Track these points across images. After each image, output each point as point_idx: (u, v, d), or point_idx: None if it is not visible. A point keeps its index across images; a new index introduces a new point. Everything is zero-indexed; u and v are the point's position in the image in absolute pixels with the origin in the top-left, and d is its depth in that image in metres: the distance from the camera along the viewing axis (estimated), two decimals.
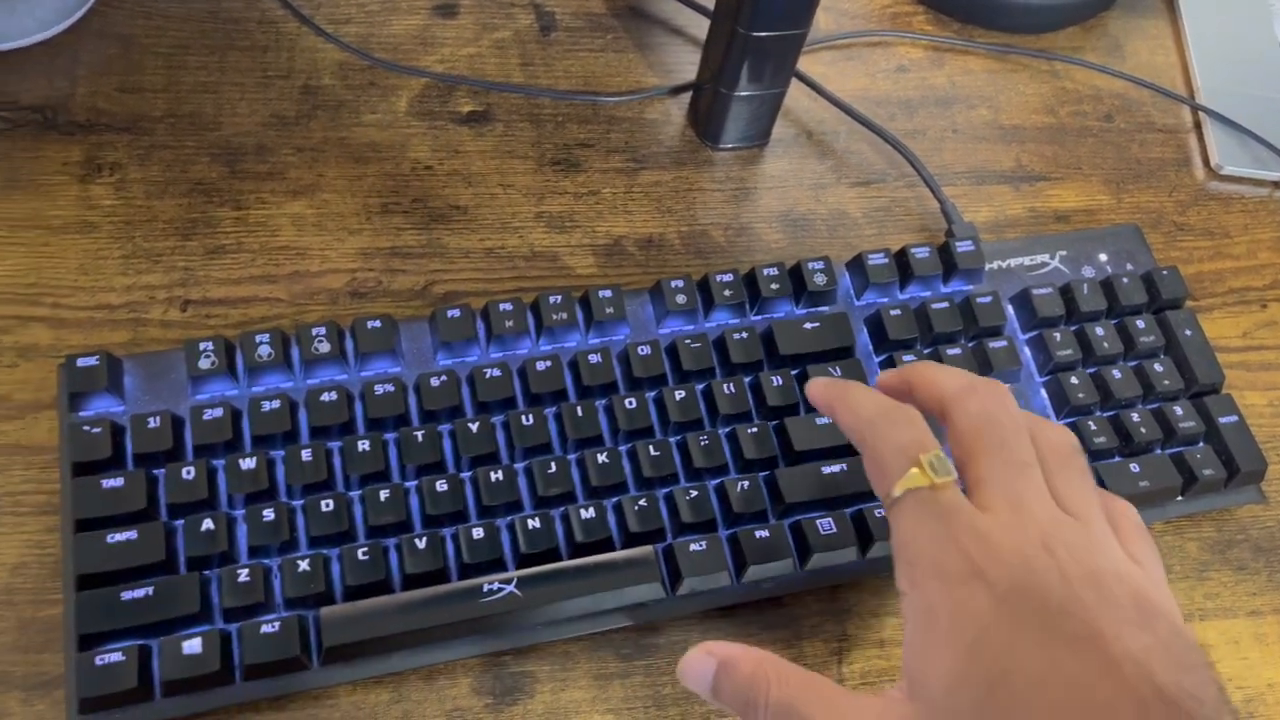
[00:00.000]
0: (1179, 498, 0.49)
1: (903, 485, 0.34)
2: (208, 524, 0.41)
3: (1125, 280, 0.52)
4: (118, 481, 0.41)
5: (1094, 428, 0.48)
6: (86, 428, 0.41)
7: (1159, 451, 0.49)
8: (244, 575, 0.40)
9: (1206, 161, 0.61)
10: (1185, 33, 0.65)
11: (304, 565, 0.40)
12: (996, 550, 0.32)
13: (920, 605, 0.33)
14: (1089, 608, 0.31)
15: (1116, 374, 0.49)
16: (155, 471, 0.42)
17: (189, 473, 0.41)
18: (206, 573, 0.40)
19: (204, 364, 0.43)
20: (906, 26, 0.63)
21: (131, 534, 0.40)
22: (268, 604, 0.40)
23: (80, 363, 0.42)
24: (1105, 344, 0.50)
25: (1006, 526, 0.33)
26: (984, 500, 0.34)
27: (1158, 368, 0.50)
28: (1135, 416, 0.49)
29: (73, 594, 0.39)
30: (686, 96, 0.58)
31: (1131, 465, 0.48)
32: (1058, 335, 0.50)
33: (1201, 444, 0.49)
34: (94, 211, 0.50)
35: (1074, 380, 0.49)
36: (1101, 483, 0.47)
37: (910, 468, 0.34)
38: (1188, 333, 0.51)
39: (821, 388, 0.40)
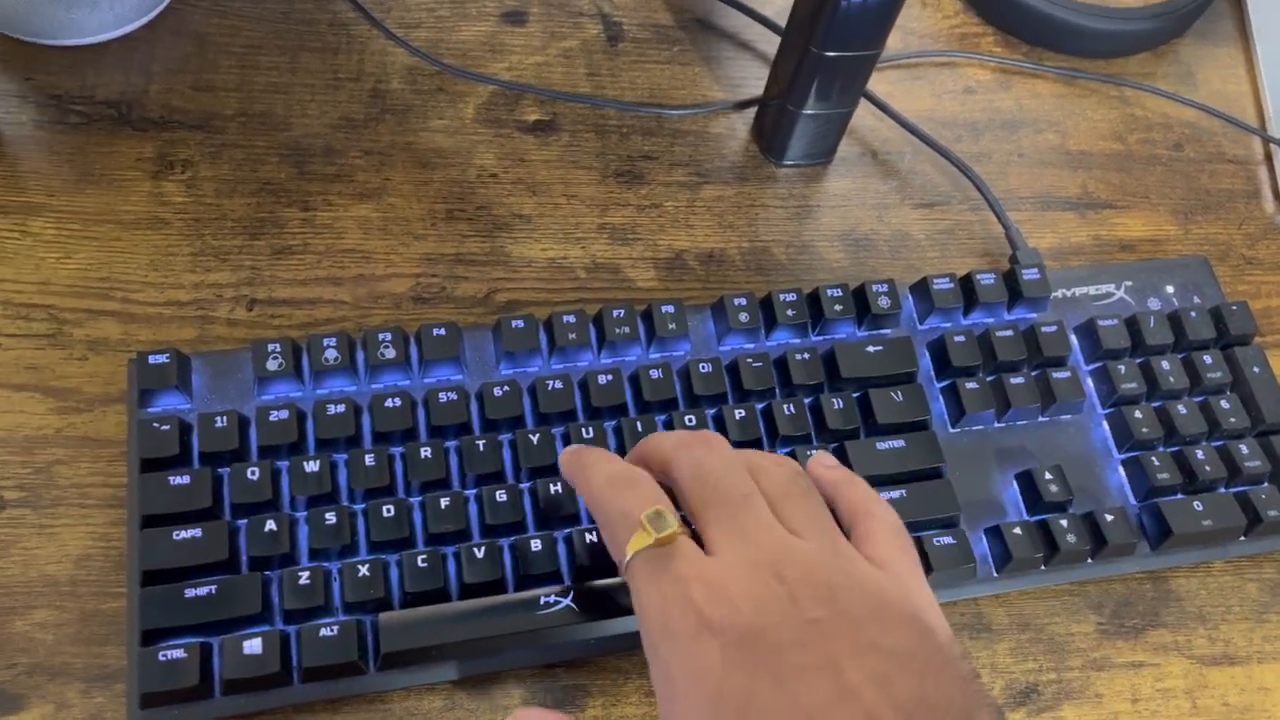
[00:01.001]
0: (1241, 538, 0.48)
1: (631, 548, 0.34)
2: (270, 525, 0.41)
3: (1193, 314, 0.51)
4: (184, 479, 0.41)
5: (1157, 463, 0.47)
6: (156, 424, 0.42)
7: (1223, 490, 0.48)
8: (305, 578, 0.40)
9: (1277, 194, 0.60)
10: (1259, 62, 0.64)
11: (364, 570, 0.41)
12: (725, 595, 0.32)
13: (659, 670, 0.33)
14: (824, 632, 0.31)
15: (1181, 409, 0.49)
16: (220, 470, 0.42)
17: (254, 473, 0.42)
18: (268, 573, 0.41)
19: (271, 365, 0.44)
20: (975, 48, 0.62)
21: (196, 532, 0.40)
22: (327, 607, 0.40)
23: (151, 359, 0.43)
24: (1171, 378, 0.49)
25: (734, 565, 0.33)
26: (711, 545, 0.34)
27: (1224, 404, 0.49)
28: (1200, 454, 0.48)
29: (137, 589, 0.40)
30: (751, 111, 0.58)
31: (1195, 503, 0.47)
32: (1122, 368, 0.49)
33: (1266, 484, 0.48)
34: (165, 208, 0.50)
35: (1138, 414, 0.48)
36: (1165, 523, 0.46)
37: (636, 530, 0.34)
38: (1256, 370, 0.50)
39: (564, 458, 0.40)
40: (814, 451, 0.44)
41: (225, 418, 0.42)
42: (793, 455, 0.45)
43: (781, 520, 0.35)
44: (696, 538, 0.35)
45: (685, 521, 0.36)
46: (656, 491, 0.36)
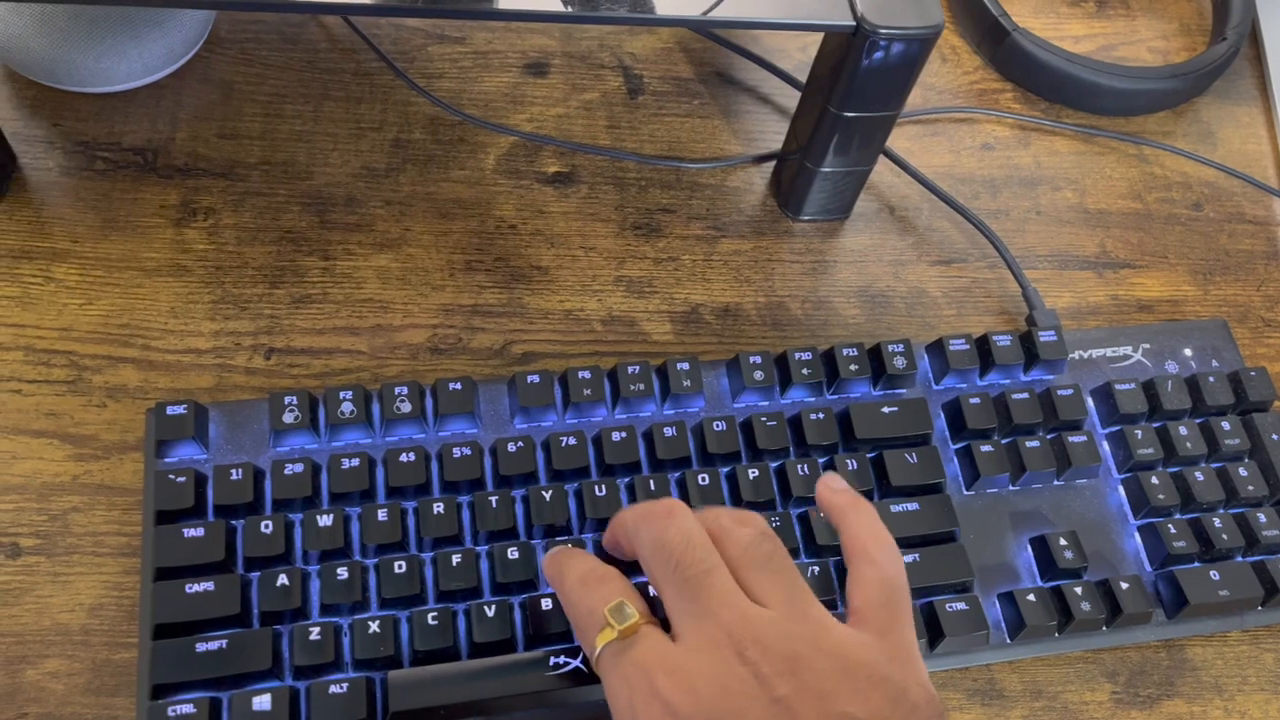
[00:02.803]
0: (1259, 608, 0.47)
1: (599, 643, 0.35)
2: (283, 579, 0.41)
3: (1211, 379, 0.51)
4: (198, 531, 0.41)
5: (1173, 531, 0.47)
6: (171, 476, 0.42)
7: (1240, 559, 0.48)
8: (316, 633, 0.40)
9: None
10: (1279, 122, 0.64)
11: (374, 626, 0.41)
12: (688, 682, 0.32)
13: None
14: (790, 709, 0.31)
15: (1199, 476, 0.48)
16: (234, 523, 0.42)
17: (267, 526, 0.42)
18: (279, 628, 0.41)
19: (288, 418, 0.44)
20: (994, 104, 0.62)
21: (209, 585, 0.41)
22: (337, 663, 0.40)
23: (169, 410, 0.43)
24: (1188, 444, 0.49)
25: (696, 650, 0.33)
26: (675, 628, 0.34)
27: (1242, 472, 0.49)
28: (1217, 522, 0.47)
29: (148, 642, 0.40)
30: (769, 165, 0.58)
31: (1212, 572, 0.46)
32: (1139, 433, 0.49)
33: None
34: (187, 255, 0.51)
35: (1154, 480, 0.48)
36: (1182, 592, 0.46)
37: (602, 626, 0.35)
38: (1275, 437, 0.50)
39: (545, 564, 0.40)
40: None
41: (240, 470, 0.43)
42: (805, 516, 0.45)
43: (745, 588, 0.35)
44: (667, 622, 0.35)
45: (656, 606, 0.36)
46: (624, 585, 0.37)
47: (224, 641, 0.40)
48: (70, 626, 0.42)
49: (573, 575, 0.38)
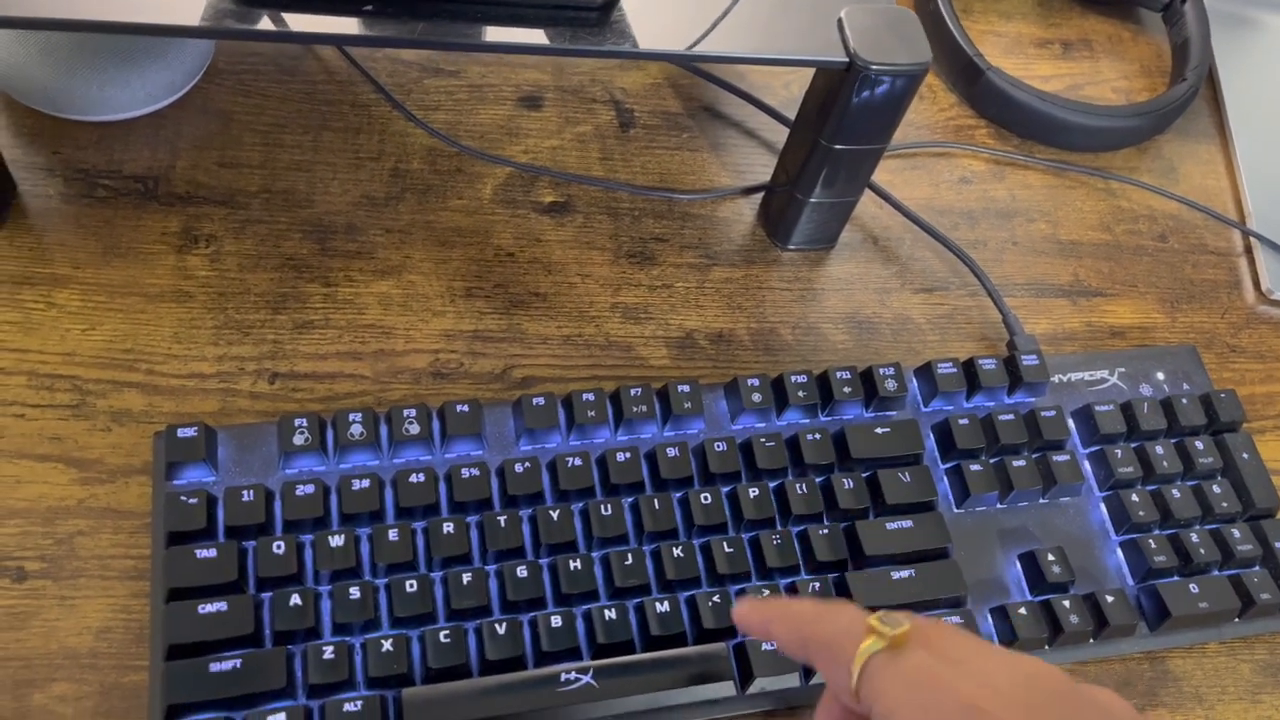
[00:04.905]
0: (1235, 620, 0.49)
1: (861, 655, 0.33)
2: (295, 599, 0.41)
3: (1184, 401, 0.53)
4: (210, 552, 0.42)
5: (1154, 546, 0.49)
6: (183, 498, 0.42)
7: (1217, 573, 0.50)
8: (329, 652, 0.41)
9: (1258, 285, 0.63)
10: (1237, 159, 0.67)
11: (387, 645, 0.41)
12: (983, 674, 0.32)
13: None
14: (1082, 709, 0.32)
15: (1176, 494, 0.50)
16: (246, 544, 0.43)
17: (279, 547, 0.42)
18: (292, 648, 0.41)
19: (297, 440, 0.44)
20: (970, 139, 0.65)
21: (222, 605, 0.41)
22: (351, 682, 0.41)
23: (180, 433, 0.44)
24: (1165, 463, 0.51)
25: (976, 653, 0.33)
26: (940, 653, 0.33)
27: (1216, 489, 0.51)
28: (1194, 537, 0.50)
29: (161, 663, 0.40)
30: (758, 196, 0.60)
31: (1190, 585, 0.48)
32: (1119, 452, 0.51)
33: (1258, 567, 0.50)
34: (189, 281, 0.51)
35: (1134, 497, 0.50)
36: (1164, 605, 0.48)
37: (863, 639, 0.34)
38: (1245, 455, 0.52)
39: (751, 609, 0.39)
40: (825, 529, 0.46)
41: (252, 491, 0.43)
42: (804, 534, 0.46)
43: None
44: None
45: None
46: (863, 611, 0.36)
47: (238, 662, 0.40)
48: (78, 650, 0.42)
49: (809, 609, 0.37)
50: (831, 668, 0.35)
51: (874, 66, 0.47)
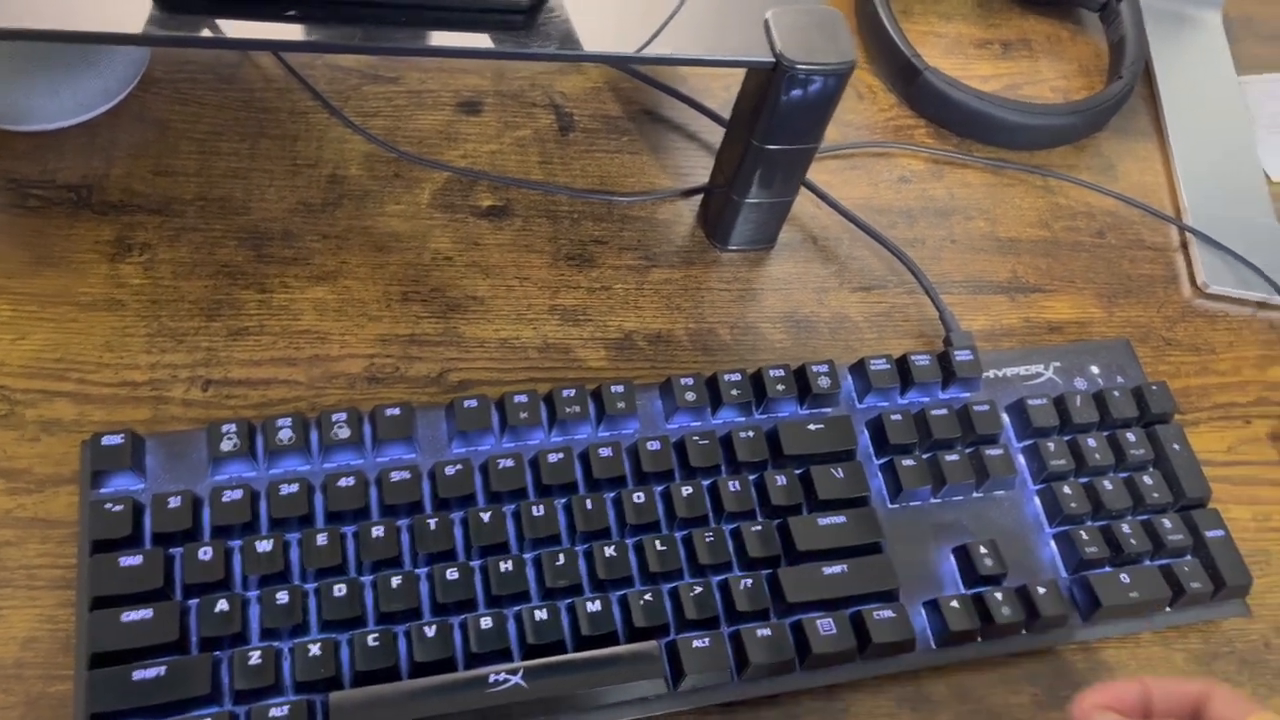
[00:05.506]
0: (1167, 609, 0.50)
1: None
2: (222, 605, 0.41)
3: (1116, 394, 0.53)
4: (135, 560, 0.42)
5: (1085, 537, 0.49)
6: (108, 505, 0.42)
7: (1148, 563, 0.50)
8: (255, 657, 0.40)
9: (1193, 279, 0.63)
10: (1173, 156, 0.68)
11: (315, 649, 0.41)
12: None
13: None
14: None
15: (1108, 485, 0.51)
16: (173, 551, 0.43)
17: (206, 553, 0.42)
18: (218, 654, 0.41)
19: (225, 446, 0.44)
20: (909, 139, 0.66)
21: (147, 613, 0.41)
22: (278, 687, 0.41)
23: (105, 441, 0.43)
24: (1097, 455, 0.52)
25: None
26: None
27: (1147, 480, 0.51)
28: (1126, 528, 0.50)
29: (85, 672, 0.40)
30: (697, 198, 0.60)
31: (1122, 575, 0.49)
32: (1052, 445, 0.52)
33: (1189, 556, 0.50)
34: (122, 290, 0.51)
35: (1067, 490, 0.51)
36: (1095, 595, 0.48)
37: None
38: (1176, 447, 0.53)
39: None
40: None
41: (179, 498, 0.43)
42: (737, 531, 0.47)
43: None
44: None
45: None
46: None
47: (163, 669, 0.40)
48: (3, 661, 0.42)
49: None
50: None
51: (800, 66, 0.48)
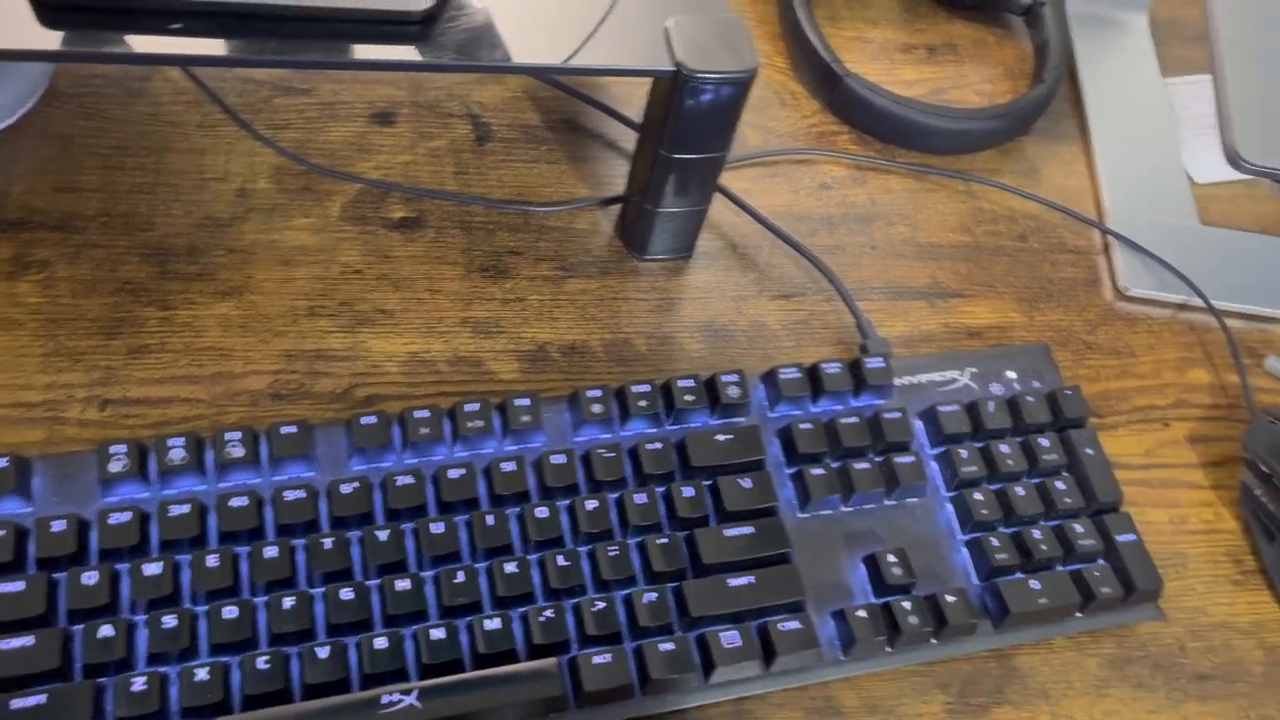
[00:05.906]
0: (1078, 614, 0.50)
1: None
2: (106, 630, 0.40)
3: (1030, 399, 0.53)
4: (17, 585, 0.41)
5: (996, 544, 0.49)
6: None
7: (1059, 569, 0.50)
8: (139, 684, 0.40)
9: (1114, 283, 0.63)
10: (1097, 159, 0.68)
11: (202, 674, 0.40)
12: None
13: None
14: None
15: (1020, 491, 0.51)
16: (57, 575, 0.42)
17: (91, 577, 0.41)
18: (103, 680, 0.40)
19: (114, 467, 0.44)
20: (831, 145, 0.65)
21: (28, 640, 0.40)
22: (163, 713, 0.40)
23: None
24: (1009, 461, 0.51)
25: None
26: None
27: (1059, 485, 0.51)
28: (1036, 534, 0.50)
29: None
30: (616, 208, 0.60)
31: (1032, 582, 0.49)
32: (964, 452, 0.51)
33: (1100, 561, 0.50)
34: (18, 309, 0.50)
35: (978, 496, 0.50)
36: (1004, 602, 0.48)
37: None
38: (1089, 451, 0.53)
39: None
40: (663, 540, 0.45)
41: (64, 521, 0.42)
42: (643, 545, 0.46)
43: None
44: None
45: None
46: None
47: (42, 697, 0.39)
48: None
49: None
50: None
51: (699, 74, 0.47)
